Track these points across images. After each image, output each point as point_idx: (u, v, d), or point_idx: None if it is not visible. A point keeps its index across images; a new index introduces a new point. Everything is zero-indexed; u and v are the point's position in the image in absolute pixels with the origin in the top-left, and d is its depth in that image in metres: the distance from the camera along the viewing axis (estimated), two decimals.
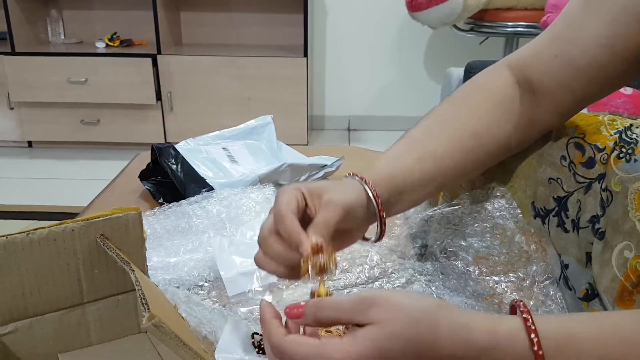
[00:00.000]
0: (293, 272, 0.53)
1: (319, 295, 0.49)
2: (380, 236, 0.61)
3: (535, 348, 0.42)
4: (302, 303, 0.45)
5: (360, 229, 0.60)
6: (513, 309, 0.46)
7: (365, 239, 0.62)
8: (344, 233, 0.58)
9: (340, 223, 0.54)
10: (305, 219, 0.54)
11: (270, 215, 0.55)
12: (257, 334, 0.61)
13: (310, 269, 0.50)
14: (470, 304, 0.70)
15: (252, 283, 0.71)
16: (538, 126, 0.67)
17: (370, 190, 0.58)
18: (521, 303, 0.45)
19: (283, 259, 0.53)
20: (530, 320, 0.43)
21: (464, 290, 0.72)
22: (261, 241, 0.55)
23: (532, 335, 0.42)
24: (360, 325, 0.43)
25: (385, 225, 0.60)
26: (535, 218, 0.71)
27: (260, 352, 0.59)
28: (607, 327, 0.43)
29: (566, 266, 0.67)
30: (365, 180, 0.59)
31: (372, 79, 3.32)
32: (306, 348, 0.43)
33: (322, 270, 0.50)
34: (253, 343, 0.60)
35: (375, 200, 0.58)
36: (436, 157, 0.64)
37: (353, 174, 0.60)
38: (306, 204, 0.55)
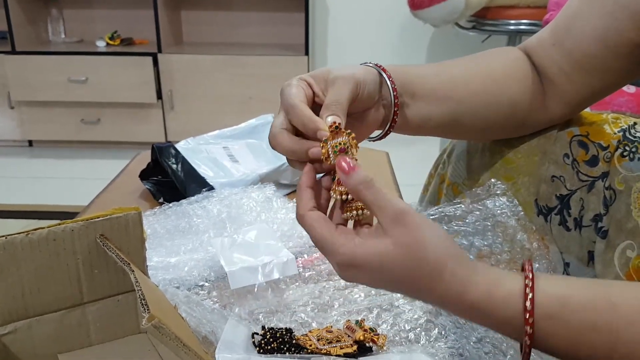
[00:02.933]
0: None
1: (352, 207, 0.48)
2: (389, 127, 0.59)
3: (527, 316, 0.43)
4: (357, 167, 0.46)
5: (372, 120, 0.57)
6: (523, 268, 0.46)
7: (371, 139, 0.61)
8: (354, 122, 0.55)
9: (352, 99, 0.52)
10: (315, 110, 0.52)
11: (281, 113, 0.52)
12: (257, 334, 0.61)
13: (330, 150, 0.47)
14: None
15: (255, 278, 0.71)
16: (547, 112, 0.66)
17: (386, 76, 0.56)
18: (530, 265, 0.45)
19: (295, 154, 0.50)
20: (531, 286, 0.43)
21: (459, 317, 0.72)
22: (271, 139, 0.52)
23: (528, 303, 0.43)
24: (379, 227, 0.45)
25: (397, 116, 0.58)
26: (538, 215, 0.70)
27: (262, 351, 0.59)
28: (600, 295, 0.43)
29: (567, 265, 0.67)
30: (378, 65, 0.57)
31: None
32: (321, 231, 0.46)
33: (342, 151, 0.48)
34: (254, 342, 0.60)
35: (391, 82, 0.56)
36: (453, 77, 0.63)
37: (366, 63, 0.58)
38: (314, 93, 0.52)
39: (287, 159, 0.52)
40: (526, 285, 0.43)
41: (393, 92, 0.57)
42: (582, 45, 0.61)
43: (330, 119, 0.48)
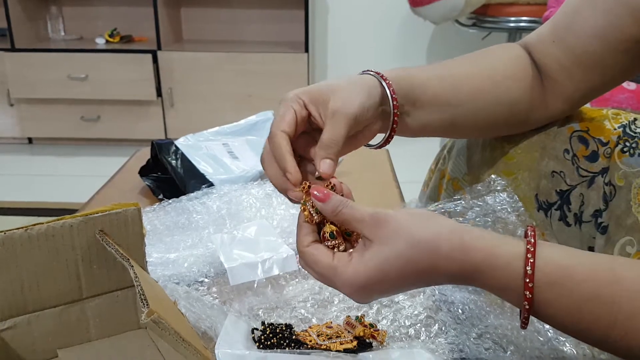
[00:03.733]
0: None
1: (330, 232, 0.49)
2: (387, 139, 0.60)
3: (527, 280, 0.43)
4: (331, 193, 0.48)
5: (368, 133, 0.57)
6: (526, 234, 0.46)
7: (370, 146, 0.61)
8: (349, 138, 0.55)
9: (350, 134, 0.52)
10: (313, 126, 0.53)
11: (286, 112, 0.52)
12: (256, 329, 0.61)
13: (311, 211, 0.50)
14: (472, 299, 0.69)
15: (255, 274, 0.71)
16: (547, 108, 0.66)
17: (387, 87, 0.56)
18: (533, 231, 0.45)
19: (279, 182, 0.52)
20: (532, 250, 0.43)
21: (466, 285, 0.72)
22: (261, 162, 0.54)
23: (528, 268, 0.43)
24: (366, 239, 0.47)
25: (395, 129, 0.58)
26: (538, 211, 0.70)
27: (261, 346, 0.59)
28: (603, 266, 0.43)
29: None
30: (382, 76, 0.56)
31: None
32: (320, 265, 0.48)
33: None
34: (253, 338, 0.60)
35: (392, 97, 0.56)
36: (455, 82, 0.63)
37: (368, 71, 0.58)
38: (310, 113, 0.52)
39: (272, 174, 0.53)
40: (528, 250, 0.44)
41: (394, 108, 0.57)
42: (582, 42, 0.61)
43: (325, 166, 0.50)
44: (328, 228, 0.49)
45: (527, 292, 0.43)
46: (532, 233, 0.45)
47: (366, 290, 0.47)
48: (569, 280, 0.43)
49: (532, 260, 0.43)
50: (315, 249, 0.49)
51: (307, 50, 2.83)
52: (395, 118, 0.57)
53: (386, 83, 0.56)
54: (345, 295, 0.48)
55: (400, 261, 0.45)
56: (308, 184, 0.50)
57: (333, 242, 0.49)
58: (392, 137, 0.60)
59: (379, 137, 0.61)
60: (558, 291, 0.43)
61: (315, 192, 0.48)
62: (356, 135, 0.57)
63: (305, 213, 0.50)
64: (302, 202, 0.50)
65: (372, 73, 0.57)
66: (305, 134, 0.55)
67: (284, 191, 0.52)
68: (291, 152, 0.50)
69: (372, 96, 0.54)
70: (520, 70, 0.65)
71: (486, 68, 0.65)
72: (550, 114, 0.67)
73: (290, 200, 0.52)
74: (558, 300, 0.43)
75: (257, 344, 0.59)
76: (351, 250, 0.49)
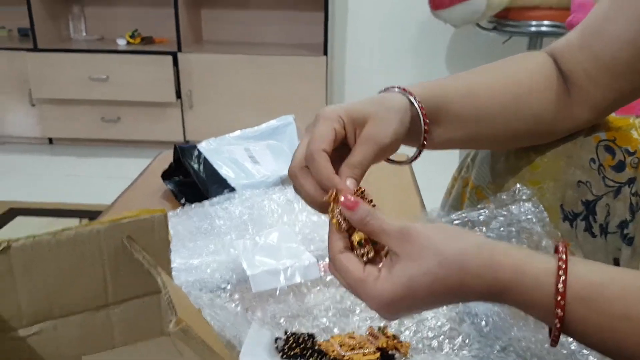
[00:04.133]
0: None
1: (357, 241, 0.49)
2: (415, 157, 0.60)
3: (559, 298, 0.42)
4: (360, 201, 0.48)
5: (390, 152, 0.57)
6: (557, 249, 0.45)
7: (394, 161, 0.61)
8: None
9: (376, 160, 0.53)
10: (343, 146, 0.53)
11: (305, 141, 0.52)
12: (279, 339, 0.60)
13: (338, 221, 0.49)
14: (496, 311, 0.68)
15: (277, 282, 0.71)
16: (573, 118, 0.65)
17: (420, 109, 0.57)
18: (565, 247, 0.45)
19: (312, 197, 0.51)
20: (564, 267, 0.43)
21: (495, 303, 0.71)
22: (291, 175, 0.53)
23: (560, 285, 0.42)
24: (393, 254, 0.46)
25: (425, 146, 0.59)
26: (564, 221, 0.69)
27: (284, 356, 0.58)
28: (634, 284, 0.43)
29: None
30: (414, 96, 0.57)
31: (392, 78, 3.30)
32: (350, 275, 0.47)
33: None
34: (276, 347, 0.60)
35: (424, 120, 0.57)
36: (477, 98, 0.62)
37: (400, 88, 0.58)
38: (345, 132, 0.53)
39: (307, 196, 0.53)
40: (559, 267, 0.43)
41: (424, 126, 0.57)
42: (611, 48, 0.60)
43: (349, 184, 0.50)
44: (357, 236, 0.49)
45: (559, 310, 0.42)
46: (564, 249, 0.44)
47: (393, 306, 0.46)
48: (600, 298, 0.42)
49: (563, 278, 0.42)
50: (347, 258, 0.48)
51: (325, 53, 2.83)
52: (425, 135, 0.58)
53: (418, 103, 0.57)
54: (371, 309, 0.48)
55: (428, 278, 0.44)
56: (335, 191, 0.50)
57: (362, 250, 0.49)
58: (420, 155, 0.60)
59: (404, 150, 0.61)
60: (589, 309, 0.42)
61: (343, 200, 0.48)
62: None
63: (334, 221, 0.49)
64: (329, 210, 0.50)
65: (404, 92, 0.57)
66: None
67: (318, 206, 0.52)
68: (333, 171, 0.50)
69: (404, 123, 0.55)
70: (546, 80, 0.64)
71: (509, 82, 0.64)
72: (577, 123, 0.66)
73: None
74: (589, 318, 0.42)
75: (280, 353, 0.58)
76: (380, 264, 0.48)
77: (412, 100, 0.57)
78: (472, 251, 0.44)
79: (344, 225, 0.49)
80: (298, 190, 0.53)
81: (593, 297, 0.42)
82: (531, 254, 0.45)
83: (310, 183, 0.51)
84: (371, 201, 0.50)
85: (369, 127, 0.52)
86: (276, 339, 0.60)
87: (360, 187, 0.51)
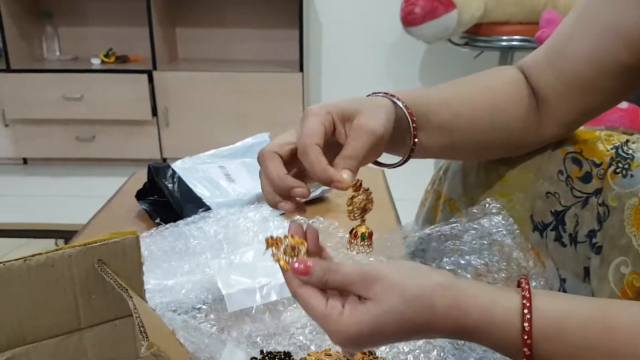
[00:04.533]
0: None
1: (362, 233, 0.50)
2: (406, 160, 0.61)
3: (525, 337, 0.43)
4: (310, 263, 0.47)
5: (375, 154, 0.58)
6: (519, 284, 0.47)
7: (381, 164, 0.62)
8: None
9: (369, 153, 0.53)
10: (331, 142, 0.53)
11: (286, 135, 0.53)
12: (255, 358, 0.60)
13: (354, 207, 0.50)
14: None
15: (253, 300, 0.71)
16: (541, 132, 0.67)
17: (405, 109, 0.58)
18: (526, 285, 0.45)
19: (277, 187, 0.51)
20: (528, 305, 0.43)
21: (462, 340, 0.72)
22: (260, 158, 0.53)
23: (525, 324, 0.43)
24: (361, 296, 0.46)
25: (414, 149, 0.60)
26: (534, 231, 0.71)
27: None
28: (598, 314, 0.44)
29: (564, 280, 0.67)
30: (399, 99, 0.58)
31: (368, 92, 3.32)
32: (313, 311, 0.47)
33: (364, 209, 0.51)
34: None
35: (411, 119, 0.58)
36: (455, 107, 0.63)
37: (385, 93, 0.59)
38: (335, 128, 0.53)
39: (264, 191, 0.53)
40: (523, 305, 0.44)
41: (413, 131, 0.59)
42: (575, 67, 0.61)
43: (346, 176, 0.50)
44: (362, 228, 0.50)
45: (526, 349, 0.43)
46: (527, 286, 0.45)
47: (357, 342, 0.46)
48: (563, 332, 0.43)
49: (528, 316, 0.43)
50: (307, 293, 0.48)
51: (301, 69, 2.85)
52: (415, 140, 0.59)
53: (404, 106, 0.58)
54: (334, 343, 0.47)
55: (395, 317, 0.45)
56: (360, 181, 0.51)
57: (363, 243, 0.50)
58: (410, 157, 0.61)
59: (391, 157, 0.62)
60: (555, 344, 0.43)
61: (296, 268, 0.48)
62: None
63: (281, 263, 0.49)
64: (272, 254, 0.50)
65: (388, 97, 0.58)
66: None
67: (278, 190, 0.52)
68: (327, 163, 0.50)
69: (390, 120, 0.55)
70: (518, 93, 0.65)
71: (486, 93, 0.66)
72: (544, 137, 0.67)
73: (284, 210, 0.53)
74: (555, 352, 0.43)
75: None
76: (344, 303, 0.47)
77: (397, 101, 0.58)
78: (439, 291, 0.45)
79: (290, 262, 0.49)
80: (264, 172, 0.52)
81: (557, 332, 0.43)
82: (497, 294, 0.45)
83: (277, 167, 0.51)
84: (368, 189, 0.51)
85: (359, 119, 0.53)
86: (252, 359, 0.60)
87: (358, 180, 0.51)
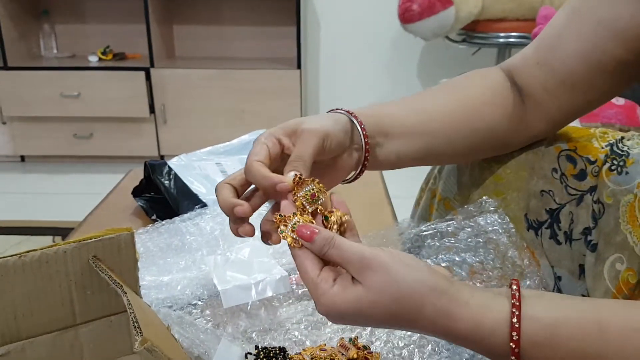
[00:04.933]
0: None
1: (337, 217, 0.50)
2: (361, 169, 0.61)
3: (513, 346, 0.43)
4: (315, 230, 0.47)
5: (343, 165, 0.59)
6: (510, 286, 0.47)
7: (345, 181, 0.62)
8: (327, 168, 0.58)
9: (318, 153, 0.53)
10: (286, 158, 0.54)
11: (237, 171, 0.55)
12: (250, 354, 0.61)
13: (303, 200, 0.50)
14: None
15: (249, 296, 0.71)
16: (528, 129, 0.67)
17: (355, 118, 0.58)
18: (516, 293, 0.45)
19: (227, 204, 0.53)
20: (517, 314, 0.43)
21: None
22: (216, 189, 0.54)
23: (514, 334, 0.43)
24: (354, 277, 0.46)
25: (368, 157, 0.60)
26: (528, 230, 0.71)
27: None
28: (589, 319, 0.43)
29: (559, 278, 0.68)
30: (348, 111, 0.59)
31: (365, 90, 3.33)
32: (305, 275, 0.47)
33: (313, 198, 0.50)
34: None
35: (361, 127, 0.58)
36: (427, 112, 0.64)
37: (336, 109, 0.60)
38: (283, 147, 0.54)
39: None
40: (512, 314, 0.44)
41: (364, 138, 0.58)
42: (567, 64, 0.61)
43: (291, 174, 0.50)
44: (334, 217, 0.50)
45: (513, 358, 0.43)
46: (517, 292, 0.45)
47: (340, 318, 0.47)
48: (555, 340, 0.43)
49: (517, 325, 0.43)
50: (304, 254, 0.48)
51: (299, 66, 2.85)
52: (367, 146, 0.58)
53: (352, 116, 0.58)
54: (317, 310, 0.48)
55: (383, 310, 0.45)
56: (298, 175, 0.50)
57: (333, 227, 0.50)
58: (365, 167, 0.61)
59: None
60: (544, 351, 0.43)
61: (302, 231, 0.48)
62: (332, 166, 0.58)
63: (289, 240, 0.49)
64: (280, 233, 0.50)
65: (341, 111, 0.59)
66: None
67: (231, 214, 0.54)
68: (269, 171, 0.51)
69: (339, 123, 0.56)
70: (499, 96, 0.65)
71: (460, 97, 0.65)
72: (533, 133, 0.67)
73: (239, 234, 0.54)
74: (548, 358, 0.43)
75: None
76: (337, 277, 0.48)
77: (346, 114, 0.58)
78: (432, 297, 0.45)
79: (300, 242, 0.49)
80: (219, 200, 0.54)
81: (548, 341, 0.43)
82: (488, 301, 0.45)
83: (224, 194, 0.53)
84: (314, 179, 0.51)
85: (301, 127, 0.54)
86: (247, 354, 0.61)
87: (296, 174, 0.50)
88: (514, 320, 0.43)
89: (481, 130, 0.65)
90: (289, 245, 0.49)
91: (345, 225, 0.52)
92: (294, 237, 0.48)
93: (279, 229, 0.50)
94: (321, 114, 0.58)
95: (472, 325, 0.44)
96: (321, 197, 0.51)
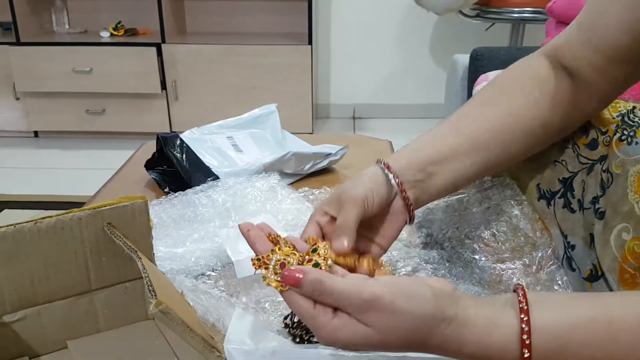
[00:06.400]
0: None
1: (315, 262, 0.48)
2: (410, 218, 0.62)
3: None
4: (301, 273, 0.45)
5: (400, 206, 0.61)
6: (516, 292, 0.46)
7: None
8: (384, 215, 0.60)
9: (363, 215, 0.56)
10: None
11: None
12: (286, 318, 0.61)
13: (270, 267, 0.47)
14: (477, 291, 0.70)
15: None
16: (581, 110, 0.65)
17: (388, 171, 0.60)
18: (524, 305, 0.44)
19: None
20: (527, 329, 0.42)
21: (470, 278, 0.72)
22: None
23: (525, 351, 0.42)
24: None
25: (411, 205, 0.61)
26: (539, 200, 0.71)
27: (291, 332, 0.59)
28: (599, 324, 0.43)
29: (572, 247, 0.68)
30: (384, 163, 0.60)
31: (377, 66, 3.31)
32: (300, 309, 0.45)
33: (282, 268, 0.47)
34: (286, 324, 0.61)
35: (396, 180, 0.59)
36: (475, 131, 0.63)
37: (378, 161, 0.62)
38: (331, 217, 0.58)
39: None
40: (522, 330, 0.43)
41: (398, 186, 0.60)
42: (611, 39, 0.60)
43: (338, 242, 0.54)
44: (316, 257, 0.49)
45: None
46: (525, 305, 0.44)
47: (344, 347, 0.46)
48: (566, 350, 0.43)
49: (527, 342, 0.42)
50: (291, 294, 0.46)
51: (310, 42, 2.83)
52: (404, 194, 0.60)
53: (386, 167, 0.60)
54: (319, 338, 0.46)
55: (389, 345, 0.44)
56: (262, 260, 0.48)
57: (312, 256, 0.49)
58: (412, 214, 0.61)
59: None
60: (558, 358, 0.43)
61: (287, 278, 0.45)
62: (388, 213, 0.61)
63: (274, 285, 0.46)
64: (262, 279, 0.47)
65: (379, 165, 0.61)
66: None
67: None
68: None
69: (375, 180, 0.59)
70: (546, 89, 0.64)
71: (508, 105, 0.64)
72: (585, 113, 0.66)
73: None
74: None
75: (289, 329, 0.59)
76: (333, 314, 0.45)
77: (382, 167, 0.60)
78: (441, 326, 0.43)
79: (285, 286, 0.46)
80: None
81: (559, 350, 0.43)
82: (494, 320, 0.44)
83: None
84: (288, 244, 0.50)
85: (343, 196, 0.57)
86: (286, 316, 0.61)
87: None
88: (524, 337, 0.42)
89: (536, 129, 0.64)
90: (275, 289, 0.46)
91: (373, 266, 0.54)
92: (279, 279, 0.45)
93: (261, 275, 0.47)
94: (359, 175, 0.60)
95: (481, 347, 0.44)
96: (291, 259, 0.48)
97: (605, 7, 0.60)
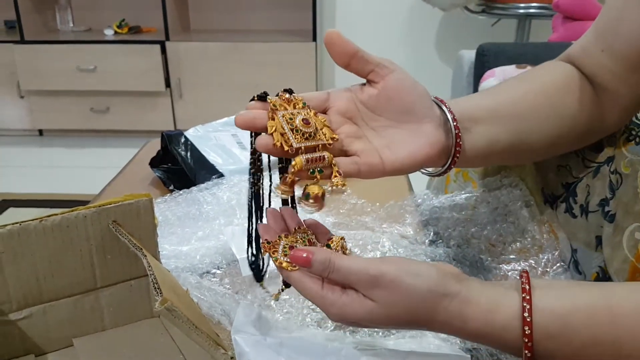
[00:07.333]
0: None
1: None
2: (456, 153, 0.55)
3: (526, 340, 0.44)
4: (311, 253, 0.46)
5: (430, 133, 0.53)
6: (521, 276, 0.47)
7: (432, 174, 0.59)
8: (410, 130, 0.54)
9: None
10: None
11: None
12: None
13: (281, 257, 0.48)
14: None
15: (267, 264, 0.71)
16: (603, 121, 0.63)
17: (443, 104, 0.55)
18: (526, 285, 0.45)
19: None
20: (528, 308, 0.44)
21: (476, 277, 0.72)
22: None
23: (526, 328, 0.43)
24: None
25: (460, 136, 0.55)
26: (545, 204, 0.71)
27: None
28: (600, 306, 0.44)
29: (575, 251, 0.67)
30: (436, 97, 0.57)
31: None
32: (308, 291, 0.47)
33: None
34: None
35: (447, 109, 0.55)
36: (511, 95, 0.61)
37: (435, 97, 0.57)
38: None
39: None
40: (524, 308, 0.44)
41: (451, 116, 0.55)
42: (633, 46, 0.58)
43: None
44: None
45: (527, 352, 0.44)
46: (527, 286, 0.45)
47: (352, 324, 0.47)
48: (567, 330, 0.43)
49: (529, 320, 0.43)
50: (298, 275, 0.47)
51: (314, 39, 2.83)
52: (456, 124, 0.55)
53: (443, 103, 0.56)
54: (329, 319, 0.48)
55: (394, 320, 0.46)
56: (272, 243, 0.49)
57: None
58: (459, 154, 0.56)
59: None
60: (558, 342, 0.44)
61: (296, 258, 0.47)
62: (416, 130, 0.54)
63: (284, 265, 0.47)
64: (274, 262, 0.48)
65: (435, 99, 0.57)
66: None
67: None
68: None
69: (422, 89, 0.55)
70: (573, 83, 0.62)
71: (540, 84, 0.62)
72: (608, 124, 0.64)
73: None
74: (559, 350, 0.44)
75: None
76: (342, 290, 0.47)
77: (439, 102, 0.56)
78: (444, 302, 0.45)
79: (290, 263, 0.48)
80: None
81: (560, 330, 0.43)
82: (498, 299, 0.45)
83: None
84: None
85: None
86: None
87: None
88: (526, 314, 0.43)
89: (566, 118, 0.62)
90: (285, 269, 0.47)
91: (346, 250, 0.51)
92: (289, 261, 0.47)
93: (272, 257, 0.48)
94: None
95: (484, 324, 0.45)
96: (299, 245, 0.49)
97: (623, 13, 0.59)
